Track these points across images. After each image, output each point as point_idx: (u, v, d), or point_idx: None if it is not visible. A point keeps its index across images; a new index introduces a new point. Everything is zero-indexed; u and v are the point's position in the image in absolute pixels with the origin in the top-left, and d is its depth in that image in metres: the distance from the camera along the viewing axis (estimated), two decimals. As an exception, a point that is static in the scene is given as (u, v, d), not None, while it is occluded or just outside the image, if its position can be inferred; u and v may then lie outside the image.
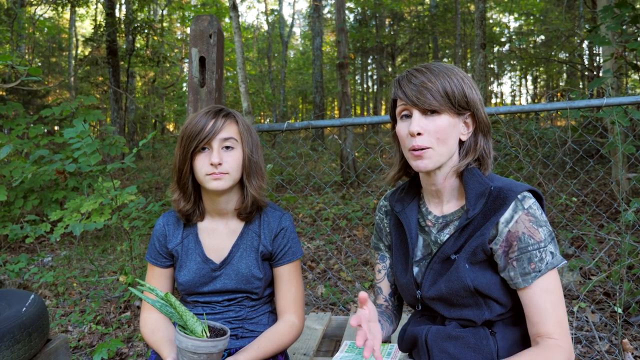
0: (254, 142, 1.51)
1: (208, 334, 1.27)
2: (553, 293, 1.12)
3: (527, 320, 1.15)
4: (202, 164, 1.42)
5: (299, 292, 1.56)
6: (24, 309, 1.97)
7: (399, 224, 1.35)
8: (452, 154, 1.18)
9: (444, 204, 1.26)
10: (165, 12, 20.06)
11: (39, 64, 20.21)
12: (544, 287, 1.11)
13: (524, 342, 1.18)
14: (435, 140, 1.14)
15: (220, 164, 1.40)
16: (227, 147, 1.44)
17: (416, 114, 1.15)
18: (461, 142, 1.21)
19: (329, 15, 23.68)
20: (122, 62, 14.05)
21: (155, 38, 15.72)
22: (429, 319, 1.29)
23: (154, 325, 1.51)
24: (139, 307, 3.69)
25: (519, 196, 1.13)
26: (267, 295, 1.59)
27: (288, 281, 1.55)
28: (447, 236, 1.22)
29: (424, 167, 1.15)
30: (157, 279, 1.57)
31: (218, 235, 1.55)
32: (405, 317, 2.33)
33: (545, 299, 1.11)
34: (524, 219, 1.11)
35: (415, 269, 1.28)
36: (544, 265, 1.11)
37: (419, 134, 1.14)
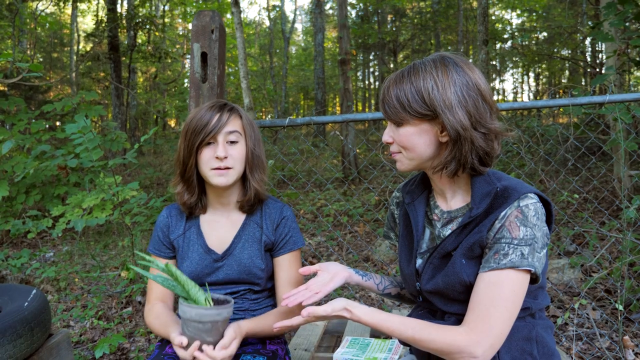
0: (256, 137, 1.55)
1: (211, 303, 1.27)
2: (500, 290, 1.08)
3: (470, 301, 1.13)
4: (207, 158, 1.45)
5: (299, 281, 1.58)
6: (26, 303, 1.97)
7: (407, 215, 1.37)
8: (425, 158, 1.20)
9: (449, 199, 1.28)
10: (166, 8, 20.04)
11: (41, 59, 20.21)
12: (494, 280, 1.09)
13: (525, 339, 1.18)
14: (402, 147, 1.21)
15: (225, 157, 1.43)
16: (232, 142, 1.47)
17: (389, 123, 1.23)
18: (444, 144, 1.18)
19: (330, 11, 23.62)
20: (124, 58, 14.04)
21: (157, 34, 15.72)
22: (430, 313, 1.30)
23: (158, 312, 1.51)
24: (140, 303, 3.70)
25: (522, 196, 1.12)
26: (269, 288, 1.61)
27: (289, 270, 1.56)
28: (450, 232, 1.23)
29: (399, 170, 1.25)
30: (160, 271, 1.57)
31: (220, 227, 1.57)
32: (404, 313, 2.34)
33: (486, 292, 1.09)
34: (513, 214, 1.11)
35: (419, 261, 1.30)
36: (505, 260, 1.08)
37: (388, 142, 1.23)
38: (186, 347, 1.24)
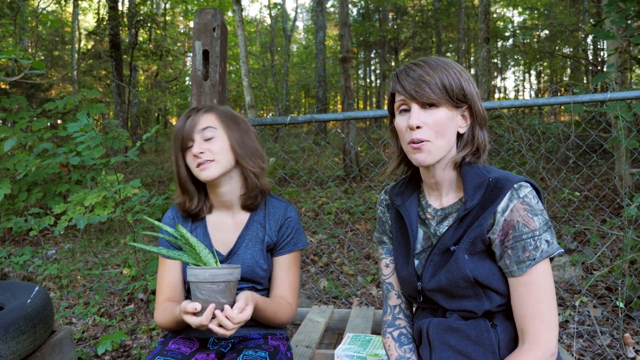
0: (241, 129, 1.55)
1: (219, 265, 1.29)
2: (540, 284, 1.12)
3: (512, 308, 1.15)
4: (190, 160, 1.49)
5: (295, 281, 1.59)
6: (29, 300, 1.98)
7: (399, 218, 1.36)
8: (450, 147, 1.20)
9: (443, 196, 1.27)
10: (168, 6, 20.04)
11: (42, 57, 20.21)
12: (529, 279, 1.12)
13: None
14: (434, 133, 1.16)
15: (202, 153, 1.45)
16: (208, 138, 1.48)
17: (415, 107, 1.16)
18: (459, 135, 1.22)
19: (332, 9, 23.59)
20: (125, 56, 14.04)
21: (158, 32, 15.71)
22: (430, 312, 1.30)
23: (165, 305, 1.52)
24: (142, 300, 3.71)
25: (515, 185, 1.14)
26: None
27: (287, 270, 1.58)
28: (446, 228, 1.23)
29: (422, 161, 1.17)
30: (170, 271, 1.58)
31: (225, 229, 1.58)
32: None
33: (530, 290, 1.11)
34: (519, 207, 1.12)
35: (416, 262, 1.29)
36: (538, 254, 1.11)
37: (418, 127, 1.15)
38: (201, 312, 1.25)
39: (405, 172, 1.37)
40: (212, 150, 1.47)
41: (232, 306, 1.26)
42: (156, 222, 1.29)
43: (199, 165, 1.46)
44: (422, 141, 1.15)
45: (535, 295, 1.11)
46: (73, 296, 4.03)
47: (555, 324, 1.11)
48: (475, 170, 1.20)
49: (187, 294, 1.63)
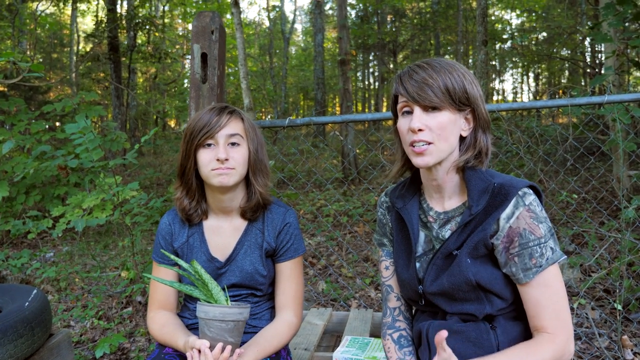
0: (259, 141, 1.52)
1: (229, 304, 1.30)
2: (552, 287, 1.13)
3: (527, 313, 1.17)
4: (208, 160, 1.42)
5: (298, 289, 1.57)
6: (27, 303, 1.98)
7: (400, 220, 1.36)
8: (452, 150, 1.19)
9: (446, 199, 1.27)
10: (166, 8, 20.06)
11: (41, 60, 20.19)
12: (544, 281, 1.13)
13: (525, 336, 1.19)
14: (436, 136, 1.15)
15: (227, 160, 1.40)
16: (233, 144, 1.44)
17: (417, 110, 1.16)
18: (462, 138, 1.22)
19: (330, 12, 23.62)
20: (124, 58, 14.05)
21: (157, 34, 15.73)
22: (430, 315, 1.30)
23: (162, 321, 1.51)
24: (140, 303, 3.70)
25: (520, 192, 1.14)
26: (270, 292, 1.60)
27: (289, 277, 1.55)
28: (449, 232, 1.23)
29: (424, 164, 1.16)
30: (164, 277, 1.57)
31: (223, 234, 1.55)
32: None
33: (543, 293, 1.13)
34: (524, 215, 1.13)
35: (417, 265, 1.29)
36: (544, 261, 1.12)
37: (420, 130, 1.15)
38: (210, 349, 1.25)
39: (402, 174, 1.37)
40: (236, 158, 1.43)
41: (239, 346, 1.30)
42: (172, 256, 1.33)
43: (216, 169, 1.40)
44: (424, 144, 1.15)
45: (550, 297, 1.13)
46: (71, 299, 4.03)
47: (570, 327, 1.13)
48: (479, 175, 1.20)
49: (188, 300, 1.61)
